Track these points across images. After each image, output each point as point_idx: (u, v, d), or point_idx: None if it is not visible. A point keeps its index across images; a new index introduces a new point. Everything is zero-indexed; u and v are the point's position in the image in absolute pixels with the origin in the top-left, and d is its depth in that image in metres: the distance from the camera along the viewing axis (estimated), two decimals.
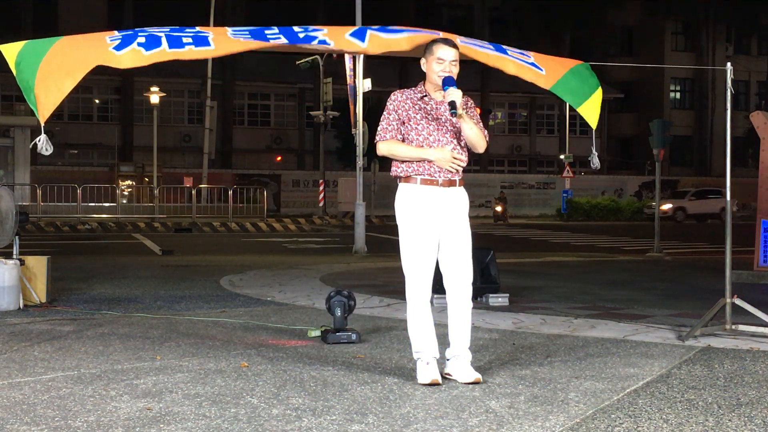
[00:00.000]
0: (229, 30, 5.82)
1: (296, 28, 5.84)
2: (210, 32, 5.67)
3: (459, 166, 4.97)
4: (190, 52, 5.44)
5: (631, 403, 4.52)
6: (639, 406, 4.46)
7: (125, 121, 46.36)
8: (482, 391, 4.77)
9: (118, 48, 5.28)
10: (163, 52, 5.37)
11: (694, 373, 5.32)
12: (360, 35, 5.83)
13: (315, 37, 5.78)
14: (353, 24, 17.89)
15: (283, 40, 5.69)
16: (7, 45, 5.32)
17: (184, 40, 5.48)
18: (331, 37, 5.81)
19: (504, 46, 6.12)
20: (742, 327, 6.67)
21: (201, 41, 5.52)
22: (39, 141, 5.12)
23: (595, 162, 6.20)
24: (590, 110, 6.04)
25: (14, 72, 5.20)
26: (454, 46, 5.05)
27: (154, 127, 36.07)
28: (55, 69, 5.18)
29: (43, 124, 5.11)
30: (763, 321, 6.59)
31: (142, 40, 5.35)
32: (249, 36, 5.68)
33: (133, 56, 5.30)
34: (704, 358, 5.82)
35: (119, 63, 5.31)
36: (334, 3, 44.64)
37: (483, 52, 5.90)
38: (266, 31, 5.80)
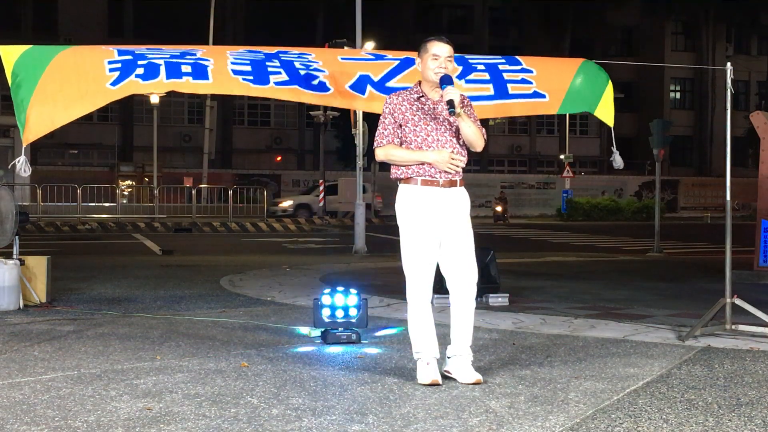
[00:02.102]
0: (230, 57, 5.68)
1: (297, 64, 5.76)
2: (211, 61, 5.56)
3: (457, 166, 4.97)
4: (186, 84, 5.41)
5: (631, 403, 4.52)
6: (639, 406, 4.46)
7: (125, 121, 46.38)
8: (482, 391, 4.77)
9: (114, 83, 5.26)
10: (160, 83, 5.34)
11: (694, 373, 5.32)
12: (360, 90, 5.84)
13: (317, 77, 5.74)
14: (353, 29, 17.92)
15: (284, 77, 5.64)
16: (6, 48, 5.30)
17: (183, 69, 5.42)
18: (331, 83, 5.79)
19: (500, 68, 6.05)
20: (742, 327, 6.67)
21: (200, 73, 5.46)
22: (18, 162, 5.12)
23: (618, 161, 6.11)
24: (605, 109, 6.00)
25: (10, 82, 5.17)
26: (448, 42, 5.05)
27: (154, 127, 36.07)
28: (51, 97, 5.14)
29: (24, 147, 5.11)
30: (763, 321, 6.59)
31: (140, 71, 5.31)
32: (250, 72, 5.60)
33: (129, 88, 5.29)
34: (704, 358, 5.82)
35: (114, 97, 5.31)
36: (334, 4, 44.63)
37: (485, 105, 5.88)
38: (268, 65, 5.69)
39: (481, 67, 6.12)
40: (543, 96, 5.93)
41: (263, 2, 47.57)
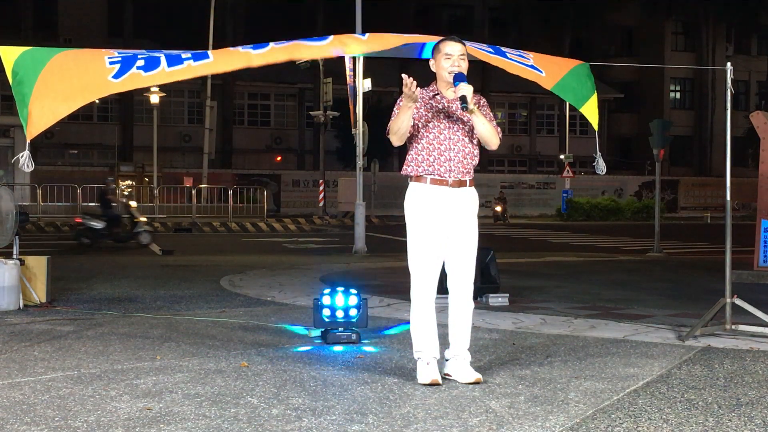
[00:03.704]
0: (230, 48, 5.83)
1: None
2: (210, 53, 5.68)
3: (412, 85, 4.76)
4: (189, 69, 5.42)
5: (631, 403, 4.52)
6: (639, 406, 4.46)
7: (125, 121, 46.34)
8: (482, 391, 4.77)
9: (116, 75, 5.27)
10: (162, 72, 5.35)
11: (694, 373, 5.32)
12: (361, 35, 5.95)
13: (314, 39, 5.84)
14: (353, 29, 17.98)
15: (283, 41, 5.72)
16: (6, 48, 5.31)
17: (183, 56, 5.47)
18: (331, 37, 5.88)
19: (503, 49, 6.14)
20: (742, 327, 6.68)
21: (200, 56, 5.51)
22: (21, 157, 5.12)
23: (601, 165, 6.16)
24: (591, 111, 6.06)
25: (10, 81, 5.18)
26: (460, 41, 5.08)
27: (154, 127, 36.05)
28: (52, 90, 5.15)
29: (29, 142, 5.11)
30: (763, 321, 6.60)
31: (141, 63, 5.34)
32: (250, 45, 5.69)
33: (131, 80, 5.29)
34: (704, 358, 5.82)
35: (116, 90, 5.31)
36: (334, 4, 44.64)
37: (484, 53, 5.94)
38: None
39: (483, 46, 6.24)
40: (540, 71, 5.99)
41: (263, 2, 47.57)
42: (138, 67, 5.31)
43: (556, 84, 5.98)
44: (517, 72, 5.98)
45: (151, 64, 5.36)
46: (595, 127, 6.01)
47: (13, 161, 5.62)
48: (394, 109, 5.06)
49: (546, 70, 6.03)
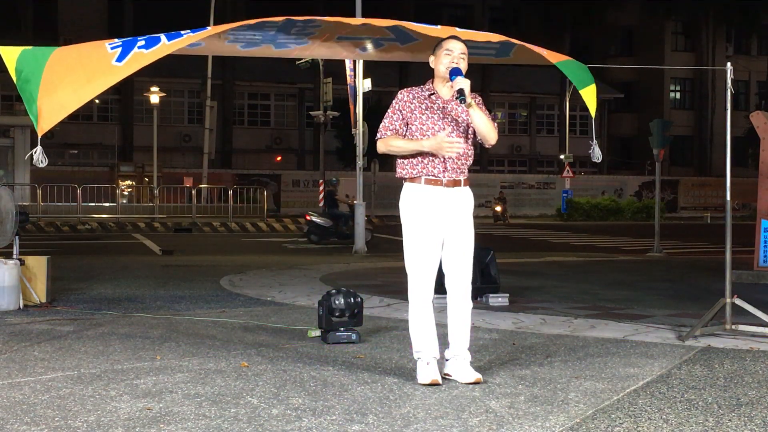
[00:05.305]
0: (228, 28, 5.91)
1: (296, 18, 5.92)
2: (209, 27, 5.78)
3: (456, 149, 4.87)
4: (188, 38, 5.47)
5: (631, 403, 4.52)
6: (639, 406, 4.46)
7: (125, 121, 46.36)
8: (482, 391, 4.77)
9: (119, 59, 5.29)
10: (163, 46, 5.38)
11: (694, 373, 5.32)
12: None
13: (312, 20, 5.86)
14: None
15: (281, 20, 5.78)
16: (6, 48, 5.32)
17: (183, 32, 5.53)
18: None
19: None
20: (742, 327, 6.67)
21: (198, 30, 5.59)
22: (35, 153, 5.13)
23: (596, 153, 6.13)
24: (590, 97, 6.04)
25: (15, 80, 5.20)
26: (462, 41, 5.08)
27: (154, 127, 36.06)
28: (60, 84, 5.17)
29: (40, 137, 5.12)
30: (763, 321, 6.60)
31: (142, 43, 5.38)
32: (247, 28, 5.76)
33: (135, 60, 5.31)
34: (704, 358, 5.82)
35: (123, 74, 5.33)
36: (334, 4, 44.63)
37: (484, 33, 5.93)
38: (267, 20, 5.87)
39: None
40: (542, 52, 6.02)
41: (263, 3, 47.59)
42: (139, 47, 5.34)
43: (560, 62, 5.98)
44: (522, 47, 6.01)
45: (152, 43, 5.39)
46: (593, 113, 5.97)
47: (27, 157, 5.66)
48: (389, 111, 5.05)
49: (547, 52, 6.06)
